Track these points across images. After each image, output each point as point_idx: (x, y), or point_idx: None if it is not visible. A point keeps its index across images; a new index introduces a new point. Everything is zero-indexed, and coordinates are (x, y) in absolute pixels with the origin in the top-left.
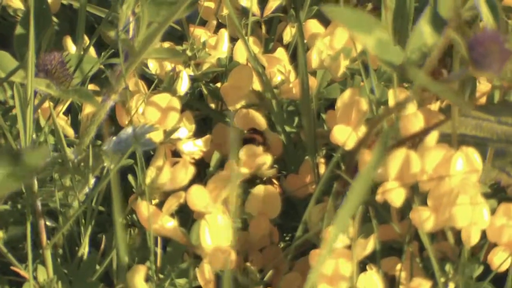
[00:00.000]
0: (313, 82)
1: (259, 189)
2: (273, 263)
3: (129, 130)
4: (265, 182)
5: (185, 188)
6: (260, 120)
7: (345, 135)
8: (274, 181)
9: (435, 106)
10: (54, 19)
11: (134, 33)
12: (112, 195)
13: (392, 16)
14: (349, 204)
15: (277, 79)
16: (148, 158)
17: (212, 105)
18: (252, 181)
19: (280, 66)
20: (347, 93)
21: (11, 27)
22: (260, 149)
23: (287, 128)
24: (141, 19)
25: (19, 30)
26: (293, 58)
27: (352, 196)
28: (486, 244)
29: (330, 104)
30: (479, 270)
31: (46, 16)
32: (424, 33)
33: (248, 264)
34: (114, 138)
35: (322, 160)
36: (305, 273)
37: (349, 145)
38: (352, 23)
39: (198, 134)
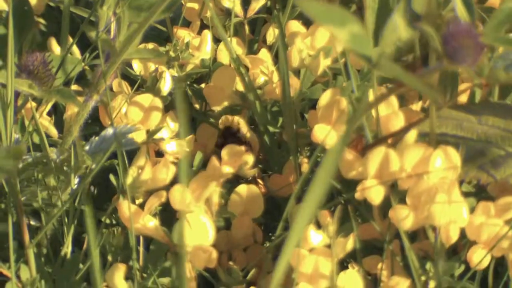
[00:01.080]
0: (295, 82)
1: (242, 188)
2: (255, 262)
3: (111, 130)
4: (250, 182)
5: (168, 188)
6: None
7: (325, 133)
8: (259, 180)
9: (417, 106)
10: (41, 20)
11: (115, 33)
12: (83, 198)
13: (373, 15)
14: (313, 192)
15: (261, 80)
16: (131, 158)
17: (196, 106)
18: (236, 181)
19: (263, 67)
20: (328, 93)
21: None
22: (242, 148)
23: (271, 129)
24: (121, 19)
25: (0, 30)
26: (277, 59)
27: (316, 183)
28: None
29: (314, 105)
30: (460, 268)
31: (28, 17)
32: (398, 27)
33: (231, 263)
34: (97, 138)
35: (305, 160)
36: (288, 272)
37: (329, 143)
38: (326, 17)
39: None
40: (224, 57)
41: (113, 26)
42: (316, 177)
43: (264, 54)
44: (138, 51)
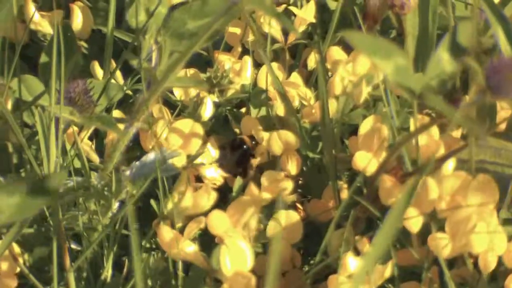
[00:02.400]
0: (334, 107)
1: (281, 214)
2: (294, 287)
3: (152, 155)
4: (289, 207)
5: (208, 213)
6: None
7: (366, 161)
8: (298, 205)
9: (457, 133)
10: (84, 44)
11: (156, 61)
12: (129, 222)
13: (414, 42)
14: (378, 243)
15: (296, 103)
16: (172, 183)
17: (236, 130)
18: (274, 206)
19: (298, 90)
20: (369, 120)
21: (40, 50)
22: (281, 174)
23: (310, 154)
24: (163, 48)
25: (43, 58)
26: (317, 84)
27: (383, 233)
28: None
29: (354, 130)
30: None
31: (71, 43)
32: (442, 60)
33: None
34: (137, 163)
35: (345, 185)
36: None
37: (370, 171)
38: (371, 49)
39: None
40: (263, 82)
41: (154, 54)
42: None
43: (296, 78)
44: (179, 79)
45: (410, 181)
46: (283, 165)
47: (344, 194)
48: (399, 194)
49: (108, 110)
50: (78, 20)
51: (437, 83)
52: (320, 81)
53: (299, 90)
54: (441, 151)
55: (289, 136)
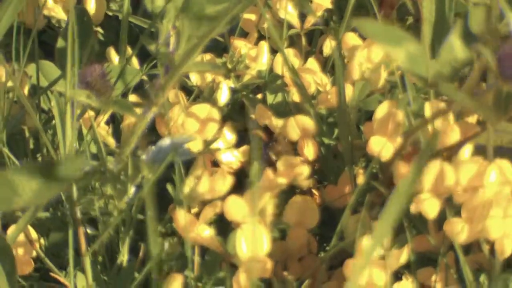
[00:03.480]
0: (350, 93)
1: (297, 199)
2: (310, 272)
3: (168, 140)
4: (305, 192)
5: (224, 198)
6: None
7: (381, 146)
8: (314, 191)
9: (472, 119)
10: (99, 29)
11: (174, 46)
12: (146, 207)
13: (431, 29)
14: (386, 218)
15: (312, 89)
16: (188, 168)
17: (252, 116)
18: (292, 191)
19: (315, 77)
20: (384, 105)
21: (55, 36)
22: (297, 159)
23: (326, 140)
24: (181, 33)
25: (60, 43)
26: (333, 70)
27: (389, 210)
28: None
29: (369, 116)
30: None
31: (87, 28)
32: (454, 47)
33: (285, 273)
34: (153, 148)
35: (361, 171)
36: (343, 282)
37: (385, 156)
38: (382, 37)
39: (239, 145)
40: (280, 68)
41: (172, 39)
42: (388, 206)
43: (313, 64)
44: (197, 64)
45: (419, 156)
46: (299, 150)
47: (360, 180)
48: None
49: (125, 95)
50: (91, 5)
51: (449, 70)
52: (337, 66)
53: (315, 76)
54: (457, 137)
55: (306, 121)
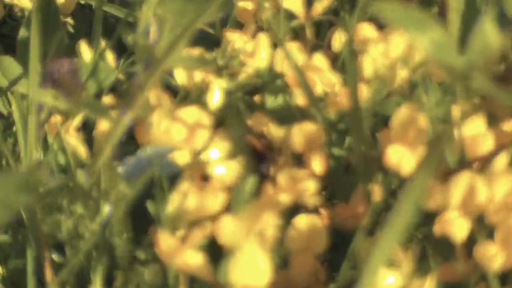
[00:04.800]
0: (365, 94)
1: (302, 220)
2: None
3: (149, 150)
4: (311, 212)
5: (215, 218)
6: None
7: (400, 157)
8: (322, 210)
9: (508, 125)
10: (69, 20)
11: (155, 38)
12: (123, 228)
13: (458, 18)
14: (391, 232)
15: (319, 90)
16: (172, 183)
17: (250, 122)
18: (296, 210)
19: (322, 75)
20: (404, 109)
21: (17, 28)
22: (303, 172)
23: (336, 151)
24: (163, 22)
25: (22, 32)
26: (344, 68)
27: (395, 222)
28: None
29: (387, 122)
30: None
31: (54, 17)
32: (487, 33)
33: None
34: (131, 159)
35: (377, 187)
36: None
37: (406, 169)
38: (405, 21)
39: (233, 156)
40: (281, 66)
41: (153, 30)
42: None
43: (320, 60)
44: (182, 59)
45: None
46: (305, 163)
47: (376, 197)
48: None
49: (98, 96)
50: None
51: (480, 59)
52: (348, 63)
53: (323, 75)
54: (491, 145)
55: (313, 129)
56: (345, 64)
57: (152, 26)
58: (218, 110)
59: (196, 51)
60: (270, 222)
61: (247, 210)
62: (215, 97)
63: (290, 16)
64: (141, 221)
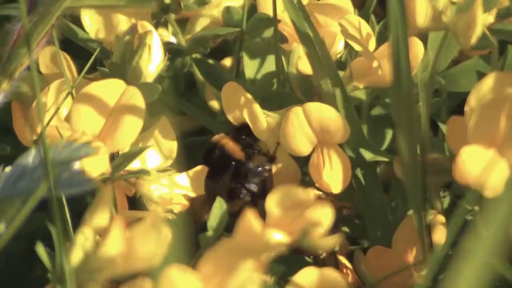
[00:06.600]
0: (418, 55)
1: (309, 274)
2: None
3: (36, 154)
4: (322, 261)
5: (157, 271)
6: None
7: (481, 165)
8: (341, 258)
9: None
10: None
11: None
12: None
13: None
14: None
15: (338, 49)
16: (81, 211)
17: (213, 104)
18: (299, 259)
19: (344, 22)
20: (488, 82)
21: None
22: (309, 194)
23: (367, 154)
24: None
25: None
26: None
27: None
28: None
29: (457, 106)
30: None
31: None
32: None
33: None
34: (9, 168)
35: (441, 217)
36: None
37: (491, 187)
38: None
39: (184, 161)
40: (270, 6)
41: None
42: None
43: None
44: None
45: None
46: (313, 174)
47: (438, 236)
48: None
49: None
50: None
51: None
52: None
53: (345, 22)
54: None
55: (327, 115)
56: (385, 3)
57: None
58: (158, 82)
59: None
60: (253, 279)
61: (211, 257)
62: (154, 61)
63: None
64: (27, 276)
